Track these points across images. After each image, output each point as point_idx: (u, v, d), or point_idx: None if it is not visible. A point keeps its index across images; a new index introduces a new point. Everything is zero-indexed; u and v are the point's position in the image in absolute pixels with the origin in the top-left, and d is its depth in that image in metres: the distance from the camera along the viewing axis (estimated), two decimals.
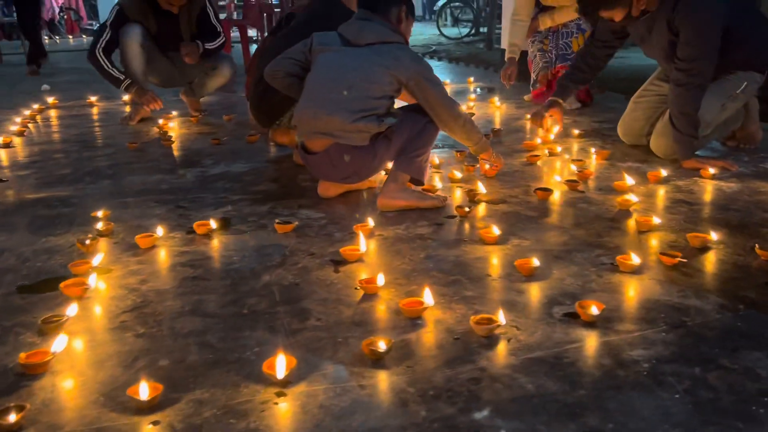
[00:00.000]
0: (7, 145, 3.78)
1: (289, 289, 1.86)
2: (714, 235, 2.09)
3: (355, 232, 2.24)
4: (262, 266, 2.03)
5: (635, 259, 1.90)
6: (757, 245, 2.00)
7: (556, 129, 3.48)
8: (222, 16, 7.03)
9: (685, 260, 1.94)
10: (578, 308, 1.64)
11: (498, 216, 2.43)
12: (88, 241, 2.16)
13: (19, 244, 2.27)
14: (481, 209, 2.51)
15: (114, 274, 1.99)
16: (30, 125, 4.50)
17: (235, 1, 7.00)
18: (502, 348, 1.53)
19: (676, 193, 2.64)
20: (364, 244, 2.07)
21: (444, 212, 2.47)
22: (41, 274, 2.00)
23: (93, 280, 1.87)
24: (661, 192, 2.66)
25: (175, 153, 3.59)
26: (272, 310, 1.74)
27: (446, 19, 14.63)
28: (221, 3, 8.25)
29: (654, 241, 2.16)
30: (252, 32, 8.55)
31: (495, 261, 2.02)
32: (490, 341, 1.56)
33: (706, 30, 2.81)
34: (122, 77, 4.14)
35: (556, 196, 2.63)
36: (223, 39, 4.48)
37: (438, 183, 2.78)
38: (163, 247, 2.21)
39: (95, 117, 4.85)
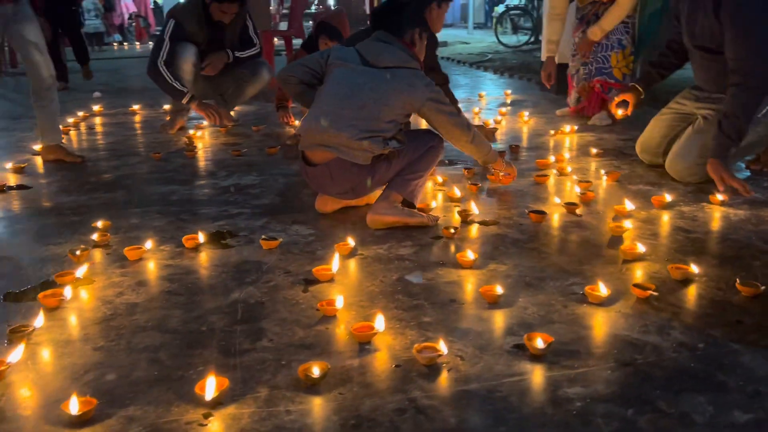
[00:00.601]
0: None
1: (253, 308, 1.90)
2: (695, 268, 2.02)
3: (336, 251, 2.26)
4: (235, 283, 2.07)
5: (603, 290, 1.86)
6: (738, 280, 1.92)
7: (620, 112, 3.35)
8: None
9: (656, 293, 1.88)
10: (525, 340, 1.62)
11: (485, 238, 2.41)
12: (78, 252, 2.24)
13: (20, 251, 2.38)
14: (473, 230, 2.49)
15: (95, 285, 2.07)
16: (72, 132, 4.70)
17: (282, 11, 7.14)
18: (439, 378, 1.52)
19: (678, 219, 2.56)
20: (336, 265, 2.09)
21: (432, 232, 2.46)
22: (30, 282, 2.10)
23: (68, 292, 1.94)
24: (663, 218, 2.58)
25: (196, 164, 3.68)
26: (230, 328, 1.78)
27: (506, 27, 14.49)
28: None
29: (639, 271, 2.10)
30: (298, 42, 8.67)
31: (465, 286, 2.01)
32: (431, 371, 1.55)
33: (756, 31, 2.67)
34: (185, 89, 4.27)
35: (551, 219, 2.58)
36: (258, 49, 4.58)
37: (433, 201, 2.76)
38: (150, 259, 2.28)
39: (134, 125, 5.03)
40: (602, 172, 3.17)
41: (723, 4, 2.71)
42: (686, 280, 2.01)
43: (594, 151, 3.59)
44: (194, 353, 1.66)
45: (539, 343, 1.59)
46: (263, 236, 2.40)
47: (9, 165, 3.58)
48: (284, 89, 2.73)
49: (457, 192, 2.84)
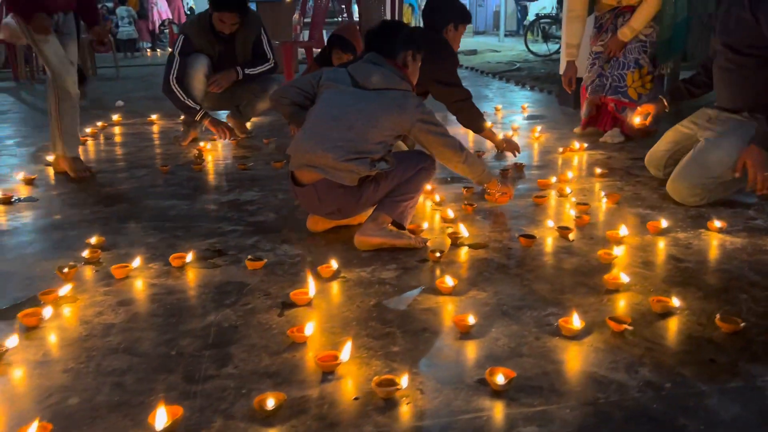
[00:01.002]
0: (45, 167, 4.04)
1: (226, 332, 1.91)
2: (677, 301, 1.98)
3: (319, 273, 2.27)
4: (214, 305, 2.09)
5: (576, 323, 1.83)
6: (718, 316, 1.87)
7: (638, 120, 3.39)
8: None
9: (631, 327, 1.84)
10: (487, 375, 1.60)
11: (471, 262, 2.39)
12: (66, 269, 2.28)
13: (13, 267, 2.44)
14: (461, 253, 2.48)
15: (78, 304, 2.11)
16: (89, 142, 4.80)
17: (303, 22, 7.18)
18: (395, 413, 1.51)
19: (672, 246, 2.51)
20: (312, 289, 2.09)
21: (419, 255, 2.45)
22: (16, 299, 2.14)
23: (48, 311, 1.98)
24: (656, 245, 2.54)
25: (201, 177, 3.73)
26: (199, 353, 1.80)
27: (537, 35, 14.40)
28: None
29: (621, 302, 2.06)
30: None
31: (441, 314, 1.99)
32: (389, 404, 1.54)
33: None
34: (197, 107, 4.34)
35: (542, 244, 2.55)
36: (270, 64, 4.61)
37: (425, 223, 2.75)
38: (138, 277, 2.31)
39: (150, 136, 5.11)
40: (602, 194, 3.12)
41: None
42: (667, 314, 1.96)
43: (599, 171, 3.54)
44: (159, 378, 1.68)
45: (500, 379, 1.57)
46: (249, 256, 2.42)
47: (20, 176, 3.65)
48: (277, 109, 2.74)
49: (450, 213, 2.82)
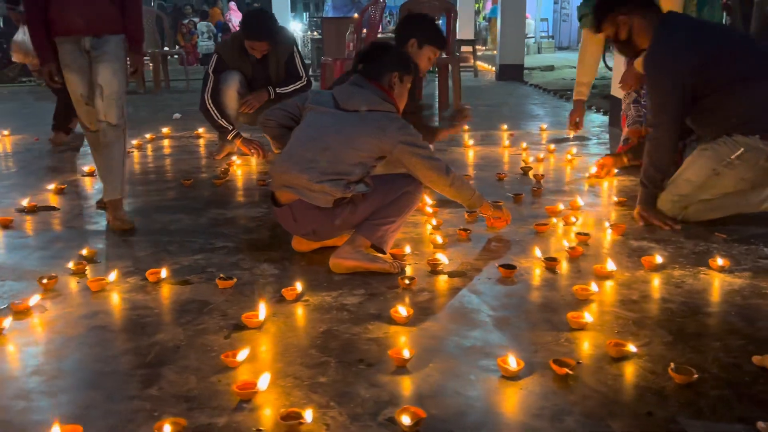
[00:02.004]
0: (92, 173, 4.22)
1: (167, 352, 1.93)
2: (633, 348, 1.85)
3: (283, 296, 2.26)
4: (170, 323, 2.12)
5: (512, 364, 1.75)
6: (672, 365, 1.74)
7: (594, 170, 3.56)
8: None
9: (571, 372, 1.74)
10: (396, 415, 1.54)
11: (441, 291, 2.33)
12: (46, 280, 2.37)
13: (7, 274, 2.54)
14: (437, 281, 2.42)
15: (45, 315, 2.18)
16: (135, 153, 4.99)
17: (358, 38, 7.25)
18: None
19: (662, 285, 2.37)
20: (263, 312, 2.08)
21: (392, 280, 2.40)
22: None
23: (8, 323, 2.05)
24: (644, 282, 2.39)
25: (218, 192, 3.80)
26: (131, 371, 1.82)
27: (613, 50, 13.94)
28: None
29: (586, 343, 1.95)
30: None
31: (385, 344, 1.94)
32: None
33: (657, 86, 2.85)
34: (230, 128, 4.46)
35: (523, 275, 2.45)
36: (303, 82, 4.66)
37: (407, 247, 2.70)
38: (112, 291, 2.37)
39: (194, 149, 5.25)
40: (606, 224, 2.97)
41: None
42: (623, 358, 1.84)
43: (615, 199, 3.38)
44: (81, 396, 1.71)
45: (405, 420, 1.51)
46: (221, 275, 2.43)
47: (52, 186, 3.83)
48: (264, 131, 2.76)
49: (438, 239, 2.76)
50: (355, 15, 9.28)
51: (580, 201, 3.29)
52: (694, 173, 2.89)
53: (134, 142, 5.26)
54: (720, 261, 2.46)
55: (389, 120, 2.48)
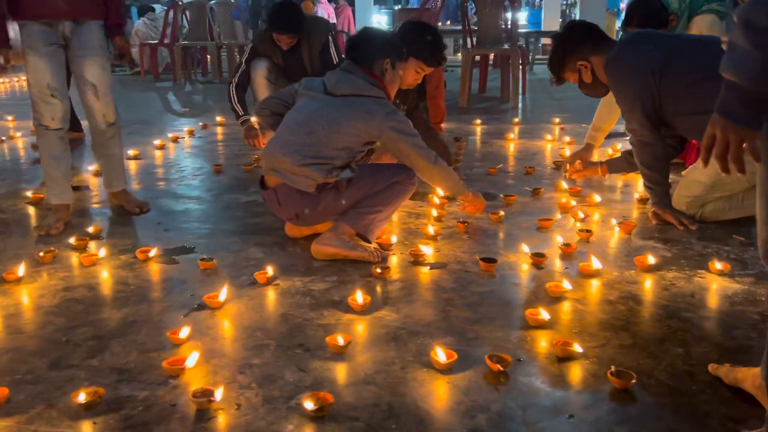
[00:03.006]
0: (136, 157, 4.41)
1: (124, 326, 1.99)
2: (579, 348, 1.76)
3: (255, 279, 2.29)
4: (139, 298, 2.19)
5: (441, 357, 1.70)
6: (612, 369, 1.64)
7: (567, 175, 3.39)
8: None
9: (502, 369, 1.67)
10: (304, 399, 1.54)
11: (413, 282, 2.30)
12: (42, 253, 2.50)
13: (18, 246, 2.69)
14: (412, 272, 2.39)
15: (30, 286, 2.29)
16: (185, 139, 5.16)
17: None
18: (199, 424, 1.50)
19: (653, 286, 2.24)
20: (223, 294, 2.11)
21: (368, 269, 2.39)
22: None
23: None
24: (631, 282, 2.27)
25: (242, 177, 3.88)
26: (83, 342, 1.90)
27: None
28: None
29: (541, 341, 1.88)
30: None
31: (332, 331, 1.93)
32: (200, 415, 1.54)
33: (620, 95, 2.81)
34: (241, 113, 4.54)
35: (504, 269, 2.38)
36: None
37: (393, 237, 2.67)
38: (103, 266, 2.47)
39: (240, 136, 5.37)
40: (613, 221, 2.83)
41: None
42: (568, 359, 1.76)
43: (637, 196, 3.22)
44: (29, 360, 1.79)
45: (308, 405, 1.51)
46: (204, 255, 2.49)
47: (92, 167, 4.02)
48: (260, 120, 2.79)
49: (430, 230, 2.72)
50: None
51: (597, 197, 3.15)
52: (703, 173, 2.73)
53: (185, 128, 5.43)
54: (719, 264, 2.30)
55: (377, 105, 2.46)
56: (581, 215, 2.91)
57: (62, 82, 2.83)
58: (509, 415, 1.52)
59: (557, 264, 2.44)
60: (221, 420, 1.51)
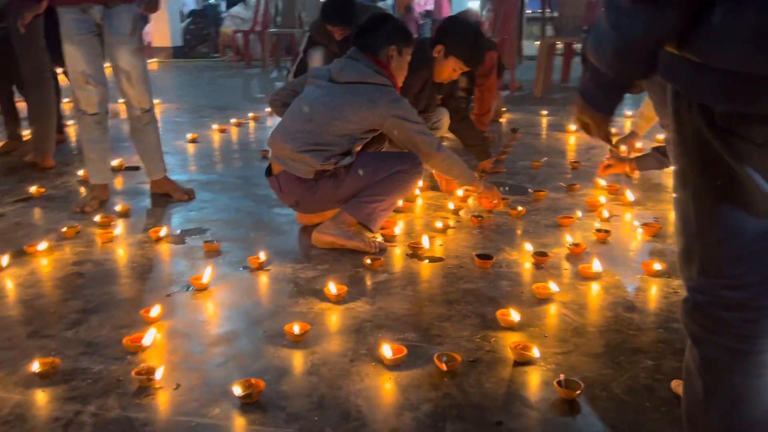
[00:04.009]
0: (194, 141, 4.58)
1: (111, 301, 2.09)
2: (537, 353, 1.69)
3: (249, 264, 2.33)
4: (136, 276, 2.29)
5: (386, 352, 1.68)
6: (561, 377, 1.56)
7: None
8: None
9: (446, 369, 1.63)
10: (235, 384, 1.56)
11: (402, 274, 2.27)
12: (65, 228, 2.65)
13: (55, 220, 2.86)
14: (410, 265, 2.36)
15: (49, 258, 2.43)
16: (249, 123, 5.31)
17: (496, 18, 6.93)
18: (135, 400, 1.56)
19: (654, 294, 2.11)
20: (206, 276, 2.16)
21: (361, 259, 2.37)
22: (10, 246, 2.53)
23: (5, 260, 2.33)
24: (631, 288, 2.15)
25: None
26: (68, 314, 2.00)
27: None
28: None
29: (506, 344, 1.81)
30: None
31: (301, 320, 1.93)
32: (140, 391, 1.59)
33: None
34: None
35: (500, 266, 2.31)
36: None
37: (396, 228, 2.64)
38: (117, 244, 2.59)
39: None
40: (636, 223, 2.67)
41: None
42: (525, 363, 1.69)
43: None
44: (12, 328, 1.91)
45: (236, 390, 1.53)
46: (208, 238, 2.56)
47: None
48: (274, 112, 2.82)
49: (438, 224, 2.67)
50: None
51: (630, 196, 2.98)
52: None
53: (250, 114, 5.55)
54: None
55: (381, 93, 2.43)
56: (606, 214, 2.76)
57: (97, 69, 2.92)
58: (437, 417, 1.47)
59: (564, 264, 2.33)
60: (157, 398, 1.55)
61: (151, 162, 3.19)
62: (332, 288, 2.04)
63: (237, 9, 11.40)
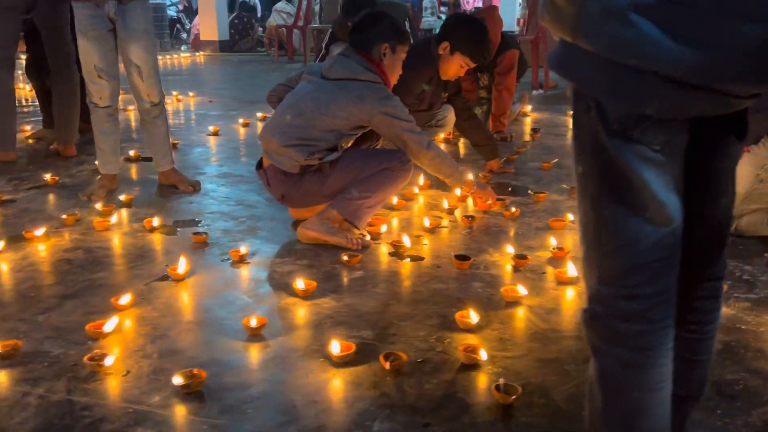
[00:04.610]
0: (215, 133, 4.67)
1: (88, 288, 2.15)
2: (484, 356, 1.68)
3: (230, 256, 2.38)
4: (119, 264, 2.36)
5: (334, 349, 1.69)
6: (500, 382, 1.55)
7: None
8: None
9: (390, 368, 1.63)
10: (177, 374, 1.59)
11: (376, 272, 2.28)
12: (65, 216, 2.74)
13: (65, 207, 2.96)
14: (390, 263, 2.37)
15: (46, 244, 2.52)
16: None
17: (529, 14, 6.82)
18: (83, 384, 1.61)
19: None
20: (182, 267, 2.21)
21: (339, 256, 2.39)
22: (11, 231, 2.64)
23: (1, 245, 2.44)
24: None
25: None
26: (47, 298, 2.07)
27: None
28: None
29: (449, 343, 1.80)
30: None
31: (264, 313, 1.96)
32: (89, 376, 1.64)
33: None
34: None
35: (478, 268, 2.29)
36: None
37: (383, 226, 2.64)
38: (112, 232, 2.67)
39: None
40: None
41: None
42: (472, 366, 1.68)
43: None
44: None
45: (177, 380, 1.56)
46: (198, 230, 2.61)
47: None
48: (271, 107, 2.86)
49: (426, 222, 2.66)
50: None
51: None
52: (739, 184, 2.42)
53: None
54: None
55: (369, 89, 2.44)
56: None
57: (110, 63, 3.02)
58: (367, 415, 1.48)
59: (545, 268, 2.30)
60: (104, 383, 1.60)
61: (159, 154, 3.28)
62: (300, 284, 2.06)
63: (282, 4, 11.54)
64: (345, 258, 2.31)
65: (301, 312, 1.98)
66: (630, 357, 1.05)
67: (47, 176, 3.38)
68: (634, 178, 1.00)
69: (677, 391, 1.23)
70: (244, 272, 2.27)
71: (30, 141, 4.28)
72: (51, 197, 3.15)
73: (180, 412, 1.50)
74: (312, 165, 2.46)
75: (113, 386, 1.59)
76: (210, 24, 11.86)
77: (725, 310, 1.97)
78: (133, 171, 3.65)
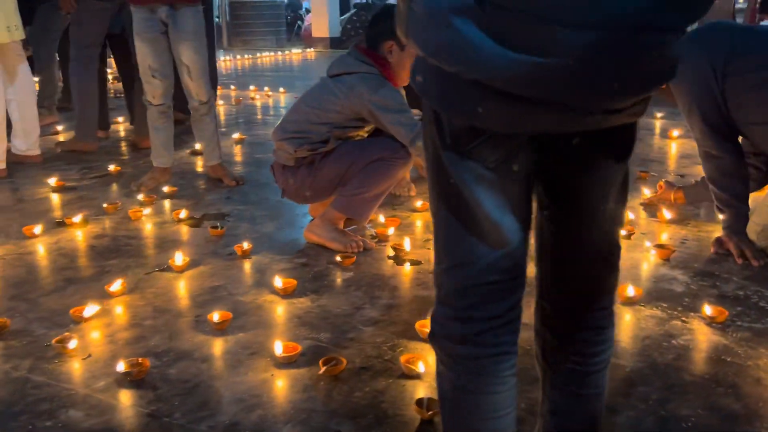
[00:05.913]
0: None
1: (95, 275, 2.30)
2: (422, 368, 1.64)
3: (235, 251, 2.46)
4: (134, 254, 2.49)
5: (277, 349, 1.72)
6: (424, 396, 1.52)
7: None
8: None
9: (324, 373, 1.64)
10: (123, 360, 1.68)
11: (369, 273, 2.28)
12: (106, 204, 2.94)
13: (115, 196, 3.18)
14: (388, 266, 2.36)
15: (81, 231, 2.72)
16: None
17: None
18: (46, 365, 1.74)
19: (623, 321, 1.94)
20: (179, 259, 2.31)
21: (335, 256, 2.41)
22: (65, 214, 2.86)
23: (38, 230, 2.65)
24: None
25: None
26: (57, 282, 2.24)
27: None
28: None
29: (403, 351, 1.79)
30: None
31: (240, 309, 2.02)
32: (60, 359, 1.77)
33: (679, 101, 2.38)
34: None
35: None
36: None
37: (391, 228, 2.62)
38: (144, 221, 2.84)
39: None
40: (647, 243, 2.45)
41: None
42: (413, 377, 1.65)
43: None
44: (7, 288, 2.18)
45: (120, 367, 1.65)
46: (217, 224, 2.72)
47: (236, 135, 4.49)
48: None
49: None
50: None
51: (667, 214, 2.73)
52: (758, 215, 2.29)
53: None
54: (709, 310, 1.90)
55: (361, 80, 2.39)
56: (623, 233, 2.55)
57: (163, 64, 3.19)
58: (282, 418, 1.50)
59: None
60: (62, 365, 1.72)
61: (207, 149, 3.44)
62: (278, 281, 2.09)
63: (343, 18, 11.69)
64: (338, 259, 2.32)
65: (274, 310, 2.02)
66: (463, 381, 1.01)
67: (111, 166, 3.62)
68: (469, 197, 0.95)
69: (564, 426, 1.16)
70: (242, 267, 2.34)
71: (59, 150, 4.20)
72: (107, 186, 3.37)
73: (114, 398, 1.58)
74: (305, 157, 2.47)
75: (70, 369, 1.70)
76: (321, 21, 12.15)
77: (718, 338, 1.81)
78: (197, 163, 3.81)
